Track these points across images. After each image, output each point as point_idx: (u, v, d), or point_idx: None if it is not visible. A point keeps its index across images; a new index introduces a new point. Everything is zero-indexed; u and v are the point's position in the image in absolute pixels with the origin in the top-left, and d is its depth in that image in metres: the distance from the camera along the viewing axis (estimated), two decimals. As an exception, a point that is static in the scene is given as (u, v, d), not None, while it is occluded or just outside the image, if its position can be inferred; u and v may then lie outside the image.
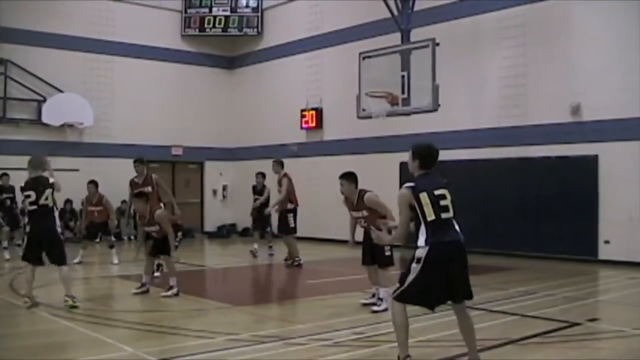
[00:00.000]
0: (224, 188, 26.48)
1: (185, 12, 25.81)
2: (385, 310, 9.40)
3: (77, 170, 21.36)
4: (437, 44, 15.49)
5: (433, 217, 6.34)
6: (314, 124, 23.04)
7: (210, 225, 26.13)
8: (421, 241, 6.31)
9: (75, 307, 9.83)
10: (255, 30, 25.73)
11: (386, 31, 18.57)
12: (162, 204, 12.62)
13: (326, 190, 21.67)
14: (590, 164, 16.23)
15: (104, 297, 11.77)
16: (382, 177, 20.16)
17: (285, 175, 16.09)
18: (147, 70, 24.66)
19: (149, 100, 24.42)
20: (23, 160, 18.65)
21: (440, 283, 6.32)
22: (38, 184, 10.17)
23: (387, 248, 9.73)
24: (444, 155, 19.05)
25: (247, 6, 25.79)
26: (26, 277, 10.21)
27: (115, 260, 16.19)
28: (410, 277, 6.29)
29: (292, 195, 16.04)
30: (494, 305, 10.26)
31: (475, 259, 16.68)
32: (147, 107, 24.32)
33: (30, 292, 10.17)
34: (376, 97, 16.38)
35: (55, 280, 10.68)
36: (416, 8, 17.38)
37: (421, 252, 6.27)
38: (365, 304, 10.10)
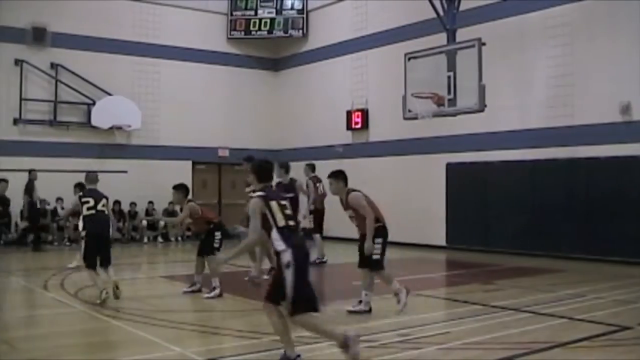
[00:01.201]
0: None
1: (231, 14, 25.99)
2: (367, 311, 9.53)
3: (125, 172, 21.72)
4: (483, 44, 15.36)
5: (283, 223, 6.74)
6: (360, 125, 23.02)
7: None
8: (281, 246, 6.62)
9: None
10: (301, 31, 25.80)
11: (431, 31, 18.47)
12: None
13: (372, 192, 21.63)
14: (640, 165, 15.96)
15: (151, 297, 11.89)
16: (428, 179, 20.16)
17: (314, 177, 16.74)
18: (193, 73, 24.90)
19: (195, 103, 24.66)
20: (72, 162, 19.23)
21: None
22: (96, 193, 11.06)
23: (375, 252, 9.60)
24: (491, 156, 19.04)
25: (292, 8, 25.88)
26: (92, 278, 10.68)
27: None
28: (290, 285, 6.53)
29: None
30: (542, 308, 10.13)
31: (523, 260, 16.64)
32: (193, 109, 24.55)
33: (103, 285, 10.46)
34: (422, 98, 16.30)
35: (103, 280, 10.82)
36: (462, 8, 17.24)
37: (287, 256, 6.56)
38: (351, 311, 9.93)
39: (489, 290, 12.08)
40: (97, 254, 10.77)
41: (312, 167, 17.08)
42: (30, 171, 19.40)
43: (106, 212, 11.00)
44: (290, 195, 13.68)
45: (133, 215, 22.64)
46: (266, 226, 6.76)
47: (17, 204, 20.51)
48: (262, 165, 7.21)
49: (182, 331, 8.72)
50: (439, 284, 13.15)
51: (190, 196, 12.15)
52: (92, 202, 10.83)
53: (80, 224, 10.95)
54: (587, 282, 13.16)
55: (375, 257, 9.67)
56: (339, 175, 9.92)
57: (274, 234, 6.71)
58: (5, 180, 19.56)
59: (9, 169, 20.00)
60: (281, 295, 6.58)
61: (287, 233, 6.69)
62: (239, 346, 7.73)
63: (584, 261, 16.33)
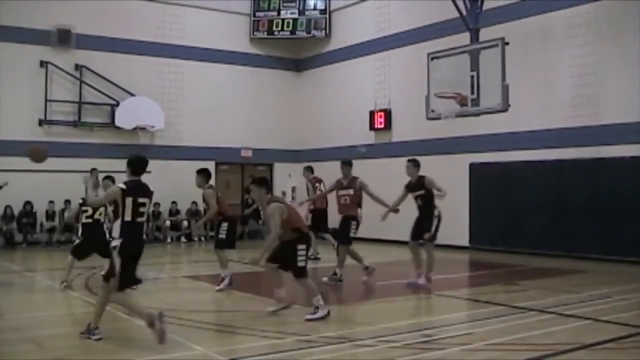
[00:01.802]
0: (293, 189, 26.59)
1: (254, 15, 26.06)
2: (321, 318, 9.30)
3: (149, 172, 21.77)
4: (507, 44, 15.30)
5: (129, 219, 7.77)
6: (382, 125, 22.99)
7: (279, 227, 26.16)
8: (117, 234, 7.78)
9: None
10: (323, 32, 25.81)
11: (454, 31, 18.43)
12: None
13: (394, 192, 21.60)
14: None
15: (174, 296, 11.94)
16: (451, 179, 20.03)
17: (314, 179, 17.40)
18: (216, 73, 25.00)
19: (218, 103, 24.76)
20: (96, 163, 19.34)
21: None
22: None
23: (299, 259, 9.57)
24: (514, 156, 18.96)
25: (314, 8, 25.90)
26: None
27: None
28: (117, 266, 7.71)
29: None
30: (566, 309, 10.07)
31: (547, 261, 16.55)
32: (216, 109, 24.66)
33: None
34: (445, 98, 16.26)
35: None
36: (485, 7, 17.19)
37: (116, 243, 7.76)
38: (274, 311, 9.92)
39: (512, 291, 12.03)
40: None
41: (311, 169, 17.59)
42: (91, 170, 19.74)
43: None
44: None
45: (157, 215, 22.76)
46: (116, 213, 7.86)
47: (42, 205, 20.74)
48: (138, 159, 8.40)
49: (206, 331, 8.76)
50: (462, 284, 13.12)
51: (212, 182, 13.02)
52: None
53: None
54: (611, 283, 13.06)
55: (300, 264, 9.61)
56: (259, 183, 9.90)
57: (117, 222, 7.82)
58: None
59: (34, 169, 20.12)
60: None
61: (126, 227, 7.76)
62: (262, 346, 7.75)
63: (608, 262, 16.19)
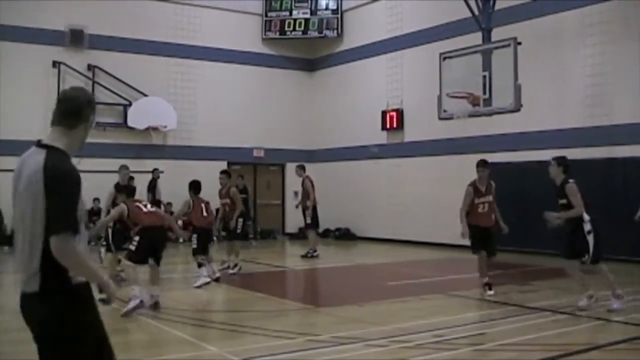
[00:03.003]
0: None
1: (266, 15, 26.10)
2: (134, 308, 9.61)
3: (161, 172, 21.87)
4: (519, 43, 15.24)
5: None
6: (395, 125, 22.97)
7: (291, 227, 26.17)
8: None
9: None
10: (335, 32, 25.82)
11: (467, 31, 18.39)
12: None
13: (407, 192, 21.60)
14: (680, 164, 15.72)
15: (187, 296, 11.98)
16: (463, 179, 19.95)
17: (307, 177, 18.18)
18: (228, 73, 25.03)
19: (230, 103, 24.80)
20: (109, 163, 19.40)
21: None
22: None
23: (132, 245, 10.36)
24: (527, 156, 18.90)
25: (327, 8, 25.90)
26: None
27: None
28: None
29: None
30: (579, 310, 10.04)
31: (559, 261, 16.43)
32: (228, 109, 24.70)
33: None
34: (457, 97, 16.23)
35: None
36: (497, 7, 17.14)
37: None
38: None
39: (525, 292, 12.02)
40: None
41: (303, 168, 18.31)
42: (153, 170, 19.97)
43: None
44: None
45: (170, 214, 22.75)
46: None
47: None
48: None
49: (220, 331, 8.79)
50: (474, 284, 13.07)
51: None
52: None
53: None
54: (625, 283, 12.94)
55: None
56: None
57: None
58: None
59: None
60: None
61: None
62: (274, 346, 7.76)
63: (621, 262, 16.08)
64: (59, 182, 3.64)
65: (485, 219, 11.76)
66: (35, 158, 3.67)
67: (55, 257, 3.51)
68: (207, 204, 13.43)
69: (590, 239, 10.06)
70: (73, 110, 3.91)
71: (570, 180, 10.26)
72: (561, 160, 10.46)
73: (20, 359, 7.37)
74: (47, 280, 3.60)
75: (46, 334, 3.64)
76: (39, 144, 3.78)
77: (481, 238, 11.59)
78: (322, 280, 15.13)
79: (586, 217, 10.12)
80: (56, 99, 4.04)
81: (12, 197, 3.75)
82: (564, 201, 10.19)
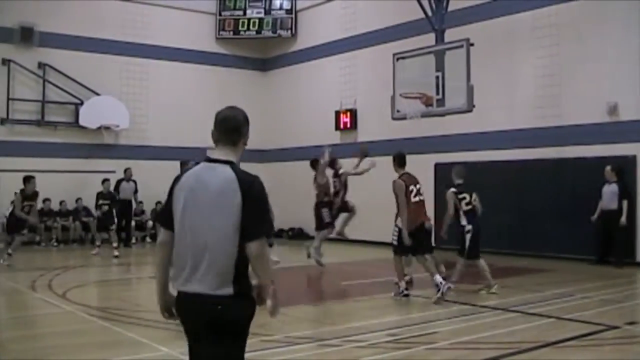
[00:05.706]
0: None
1: (220, 14, 25.96)
2: None
3: (113, 172, 21.59)
4: (472, 44, 15.36)
5: None
6: (348, 125, 23.01)
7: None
8: None
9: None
10: (289, 32, 25.79)
11: (420, 32, 18.48)
12: None
13: (359, 192, 21.66)
14: (628, 165, 16.00)
15: (139, 297, 11.86)
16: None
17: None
18: (181, 72, 24.85)
19: (183, 103, 24.59)
20: (60, 163, 19.14)
21: None
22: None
23: None
24: (480, 156, 19.09)
25: (281, 8, 25.86)
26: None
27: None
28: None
29: None
30: (530, 308, 10.18)
31: (510, 260, 16.68)
32: (181, 109, 24.48)
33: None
34: (410, 98, 16.31)
35: (90, 281, 10.79)
36: (450, 8, 17.26)
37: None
38: None
39: (477, 290, 12.11)
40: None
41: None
42: (125, 170, 19.91)
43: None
44: None
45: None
46: None
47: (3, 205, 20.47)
48: None
49: (172, 332, 8.69)
50: (426, 284, 13.16)
51: None
52: (468, 198, 12.38)
53: (464, 221, 12.35)
54: (574, 281, 13.22)
55: None
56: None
57: None
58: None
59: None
60: None
61: None
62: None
63: (571, 261, 16.37)
64: (257, 192, 4.06)
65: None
66: (220, 172, 4.18)
67: (252, 260, 3.98)
68: None
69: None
70: (234, 128, 4.52)
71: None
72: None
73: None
74: (241, 284, 4.05)
75: (237, 330, 4.17)
76: (211, 159, 4.36)
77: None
78: (276, 280, 15.06)
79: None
80: (214, 119, 4.70)
81: (181, 209, 4.09)
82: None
